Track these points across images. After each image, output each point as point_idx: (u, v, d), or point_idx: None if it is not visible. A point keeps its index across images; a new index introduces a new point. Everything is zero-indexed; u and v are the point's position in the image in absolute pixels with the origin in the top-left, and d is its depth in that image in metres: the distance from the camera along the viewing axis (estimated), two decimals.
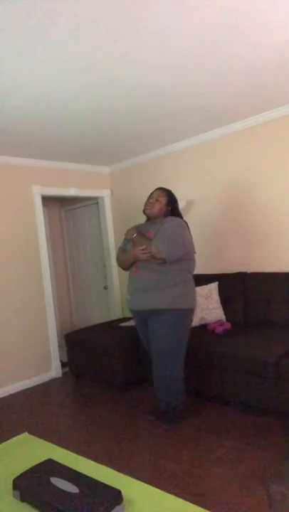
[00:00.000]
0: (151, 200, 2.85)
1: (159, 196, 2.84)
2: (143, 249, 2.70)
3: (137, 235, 2.80)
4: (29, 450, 1.50)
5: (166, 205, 2.84)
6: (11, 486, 1.20)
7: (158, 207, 2.82)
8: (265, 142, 3.42)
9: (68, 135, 3.43)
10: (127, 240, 2.92)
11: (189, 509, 1.10)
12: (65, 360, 4.15)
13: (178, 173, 4.08)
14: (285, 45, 2.21)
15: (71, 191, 4.47)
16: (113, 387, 3.63)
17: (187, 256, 2.76)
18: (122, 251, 2.96)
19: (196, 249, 2.88)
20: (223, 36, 2.04)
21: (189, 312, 2.77)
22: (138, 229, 2.90)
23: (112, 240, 4.83)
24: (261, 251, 3.52)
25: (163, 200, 2.83)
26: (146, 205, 2.87)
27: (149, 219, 2.95)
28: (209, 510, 1.09)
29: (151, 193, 2.89)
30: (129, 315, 4.50)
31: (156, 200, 2.83)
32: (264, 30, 2.02)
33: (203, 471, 2.26)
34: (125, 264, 2.90)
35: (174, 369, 2.73)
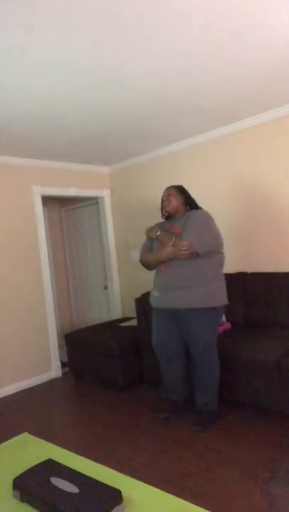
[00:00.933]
0: (165, 198, 2.86)
1: (170, 192, 2.86)
2: (176, 244, 2.59)
3: (161, 233, 2.75)
4: (29, 450, 1.50)
5: (181, 197, 2.85)
6: (11, 486, 1.20)
7: (174, 200, 2.82)
8: (265, 142, 3.42)
9: (68, 135, 3.43)
10: (150, 239, 2.88)
11: (189, 509, 1.10)
12: (65, 360, 4.15)
13: (178, 174, 4.07)
14: (285, 46, 2.21)
15: (71, 191, 4.47)
16: (113, 387, 3.63)
17: (218, 249, 2.75)
18: (147, 249, 2.89)
19: (218, 239, 2.81)
20: (223, 37, 2.04)
21: (223, 309, 2.78)
22: (160, 226, 2.87)
23: (112, 240, 4.83)
24: (261, 251, 3.52)
25: (174, 192, 2.85)
26: (163, 204, 2.88)
27: (168, 218, 2.91)
28: (209, 510, 1.09)
29: (163, 194, 2.91)
30: (130, 315, 4.51)
31: (169, 195, 2.84)
32: (264, 30, 2.02)
33: (203, 471, 2.26)
34: (153, 264, 2.82)
35: (216, 367, 2.73)
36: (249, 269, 3.54)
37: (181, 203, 2.84)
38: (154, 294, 2.81)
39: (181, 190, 2.89)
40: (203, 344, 2.68)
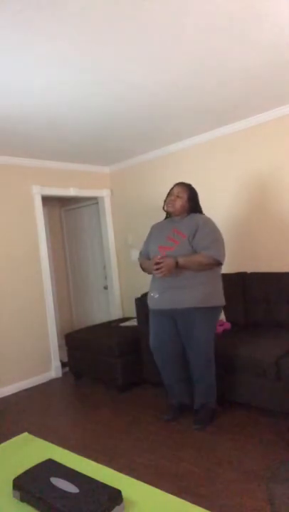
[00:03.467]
0: (172, 197, 2.78)
1: (179, 192, 2.77)
2: (158, 264, 2.59)
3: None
4: (29, 450, 1.50)
5: (188, 201, 2.78)
6: (11, 486, 1.20)
7: (180, 203, 2.75)
8: (265, 142, 3.42)
9: (68, 135, 3.43)
10: (147, 244, 2.92)
11: (189, 509, 1.10)
12: (65, 360, 4.15)
13: (178, 173, 4.07)
14: (285, 47, 2.21)
15: (71, 191, 4.47)
16: (113, 388, 3.63)
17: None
18: (145, 257, 2.92)
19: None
20: (223, 37, 2.04)
21: (221, 309, 2.80)
22: (155, 228, 2.92)
23: (112, 240, 4.82)
24: (261, 251, 3.52)
25: (184, 195, 2.77)
26: (167, 202, 2.81)
27: (168, 216, 2.90)
28: (209, 510, 1.09)
29: (171, 190, 2.82)
30: (130, 315, 4.51)
31: (178, 197, 2.76)
32: (264, 30, 2.02)
33: (203, 471, 2.26)
34: (150, 271, 2.81)
35: (213, 367, 2.74)
36: (249, 269, 3.54)
37: (185, 207, 2.78)
38: (153, 295, 2.78)
39: (191, 194, 2.80)
40: (201, 343, 2.68)
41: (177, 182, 2.87)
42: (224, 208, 3.75)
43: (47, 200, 4.91)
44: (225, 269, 3.71)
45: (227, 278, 3.52)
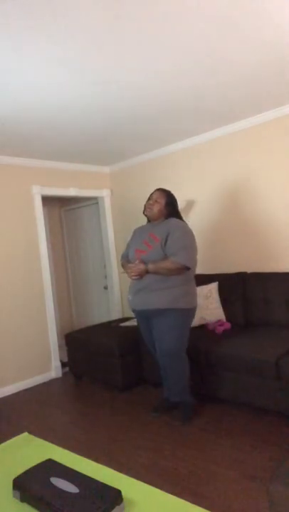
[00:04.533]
0: (150, 202, 2.88)
1: (158, 197, 2.87)
2: (133, 269, 2.76)
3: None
4: (29, 450, 1.50)
5: (166, 206, 2.87)
6: (11, 486, 1.20)
7: (157, 208, 2.85)
8: (265, 142, 3.42)
9: (68, 135, 3.43)
10: (128, 248, 3.03)
11: (189, 509, 1.10)
12: (65, 360, 4.15)
13: (178, 173, 4.08)
14: (285, 46, 2.21)
15: (71, 191, 4.47)
16: (113, 387, 3.63)
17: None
18: (126, 260, 3.03)
19: (197, 249, 2.90)
20: (223, 37, 2.04)
21: (191, 311, 2.82)
22: (136, 231, 3.03)
23: (112, 240, 4.83)
24: (261, 251, 3.52)
25: (162, 201, 2.86)
26: (145, 207, 2.91)
27: (149, 220, 2.98)
28: (209, 510, 1.09)
29: (151, 195, 2.92)
30: (130, 315, 4.51)
31: (156, 202, 2.86)
32: (264, 30, 2.02)
33: (203, 471, 2.26)
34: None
35: (183, 365, 2.81)
36: (249, 269, 3.54)
37: (162, 212, 2.86)
38: (128, 297, 2.93)
39: (168, 199, 2.88)
40: (167, 344, 2.75)
41: (157, 188, 2.96)
42: (225, 207, 3.75)
43: (47, 200, 4.91)
44: (225, 269, 3.73)
45: (227, 278, 3.54)
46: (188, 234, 2.79)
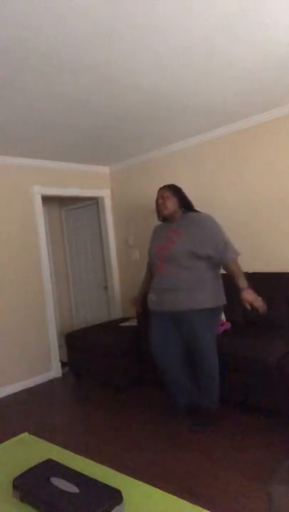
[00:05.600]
0: (160, 201, 2.81)
1: (164, 193, 2.81)
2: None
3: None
4: (29, 450, 1.50)
5: (176, 198, 2.81)
6: (11, 486, 1.20)
7: (170, 202, 2.78)
8: (267, 141, 3.42)
9: (68, 135, 3.43)
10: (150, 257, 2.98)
11: (189, 509, 1.10)
12: (65, 360, 4.15)
13: (178, 173, 4.07)
14: (284, 47, 2.21)
15: (71, 191, 4.47)
16: (113, 388, 3.63)
17: None
18: (148, 273, 3.09)
19: None
20: (223, 36, 2.04)
21: (221, 309, 2.80)
22: (156, 229, 2.97)
23: (112, 240, 4.83)
24: (261, 251, 3.52)
25: (170, 194, 2.80)
26: (158, 208, 2.83)
27: (165, 220, 2.90)
28: (209, 510, 1.09)
29: (157, 196, 2.86)
30: (130, 315, 4.50)
31: (166, 198, 2.79)
32: (264, 30, 2.02)
33: (203, 471, 2.26)
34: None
35: (217, 368, 2.72)
36: (249, 269, 3.53)
37: (177, 206, 2.80)
38: (151, 297, 2.80)
39: (175, 190, 2.84)
40: (204, 345, 2.67)
41: (160, 187, 2.92)
42: (225, 207, 3.74)
43: (47, 200, 4.91)
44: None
45: (227, 278, 3.53)
46: (216, 225, 2.74)
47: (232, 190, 3.69)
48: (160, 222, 3.00)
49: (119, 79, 2.43)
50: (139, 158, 4.41)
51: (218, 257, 2.65)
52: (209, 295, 2.66)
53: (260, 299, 2.56)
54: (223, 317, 3.44)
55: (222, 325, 3.31)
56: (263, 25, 1.97)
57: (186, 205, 2.84)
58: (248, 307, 2.57)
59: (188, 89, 2.70)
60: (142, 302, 3.08)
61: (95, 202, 4.93)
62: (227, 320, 3.43)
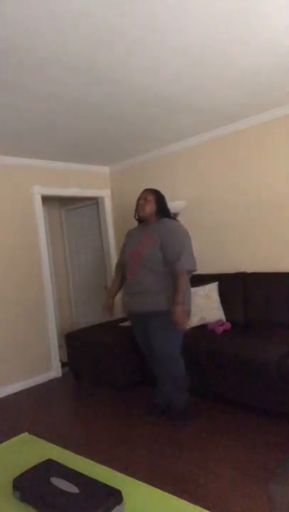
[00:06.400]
0: (141, 202, 2.91)
1: (147, 196, 2.90)
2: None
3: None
4: (29, 450, 1.50)
5: (156, 204, 2.90)
6: (11, 486, 1.20)
7: (149, 206, 2.88)
8: (265, 142, 3.42)
9: (68, 135, 3.43)
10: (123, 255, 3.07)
11: (189, 509, 1.10)
12: (65, 360, 4.15)
13: (178, 173, 4.08)
14: (284, 48, 2.21)
15: (71, 191, 4.47)
16: (113, 387, 3.63)
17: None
18: (119, 269, 3.14)
19: (197, 249, 2.93)
20: (223, 37, 2.04)
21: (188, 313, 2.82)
22: (129, 234, 3.07)
23: (112, 240, 4.83)
24: (261, 251, 3.52)
25: (152, 199, 2.89)
26: (138, 207, 2.93)
27: (140, 222, 3.01)
28: (209, 510, 1.09)
29: (140, 196, 2.95)
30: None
31: (148, 201, 2.89)
32: (265, 30, 2.02)
33: (203, 471, 2.26)
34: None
35: (178, 367, 2.82)
36: (249, 269, 3.54)
37: (154, 211, 2.89)
38: (124, 299, 2.96)
39: (158, 197, 2.92)
40: (162, 346, 2.75)
41: (145, 188, 3.00)
42: (224, 207, 3.75)
43: (47, 200, 4.91)
44: (225, 269, 3.73)
45: (227, 278, 3.54)
46: (184, 235, 2.81)
47: (231, 189, 3.69)
48: (135, 226, 3.10)
49: (118, 79, 2.43)
50: (139, 158, 4.41)
51: (170, 262, 2.71)
52: (171, 299, 2.70)
53: (185, 321, 2.68)
54: (223, 317, 3.44)
55: (222, 325, 3.32)
56: (262, 25, 1.97)
57: (163, 212, 2.92)
58: (172, 321, 2.65)
59: (187, 90, 2.70)
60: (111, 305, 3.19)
61: (95, 202, 4.93)
62: (227, 320, 3.44)
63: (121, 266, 3.09)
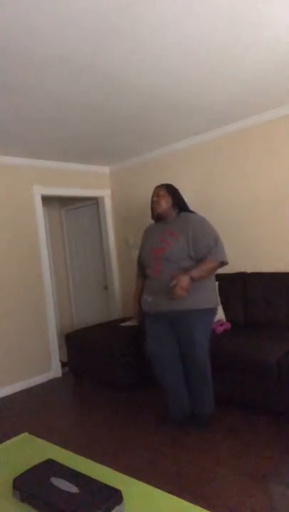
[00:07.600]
0: (155, 199, 2.80)
1: (159, 192, 2.80)
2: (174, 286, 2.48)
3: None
4: (29, 450, 1.50)
5: (171, 198, 2.79)
6: (11, 486, 1.20)
7: (164, 201, 2.77)
8: (266, 142, 3.42)
9: (68, 135, 3.43)
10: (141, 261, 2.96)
11: (189, 509, 1.10)
12: (65, 360, 4.15)
13: (178, 173, 4.07)
14: (284, 46, 2.21)
15: (71, 191, 4.47)
16: (113, 387, 3.63)
17: None
18: (140, 272, 3.01)
19: None
20: (224, 36, 2.04)
21: (216, 311, 2.77)
22: (147, 231, 2.95)
23: (112, 240, 4.83)
24: (261, 251, 3.52)
25: (165, 193, 2.79)
26: (153, 206, 2.82)
27: (158, 220, 2.88)
28: (209, 510, 1.09)
29: (153, 193, 2.85)
30: (130, 315, 4.50)
31: (162, 196, 2.78)
32: (264, 30, 2.02)
33: (203, 471, 2.26)
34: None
35: (209, 371, 2.69)
36: (249, 269, 3.54)
37: (171, 205, 2.79)
38: (146, 298, 2.75)
39: (170, 190, 2.82)
40: (198, 346, 2.62)
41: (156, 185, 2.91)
42: (225, 207, 3.74)
43: (47, 200, 4.91)
44: (225, 269, 3.71)
45: (227, 278, 3.54)
46: (213, 228, 2.73)
47: (233, 189, 3.69)
48: (151, 224, 2.99)
49: (119, 78, 2.43)
50: (139, 158, 4.41)
51: (202, 256, 2.62)
52: (206, 295, 2.65)
53: (184, 288, 2.46)
54: (223, 317, 3.44)
55: (222, 325, 3.32)
56: (263, 24, 1.97)
57: (180, 205, 2.82)
58: (173, 283, 2.48)
59: (188, 89, 2.70)
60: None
61: (95, 202, 4.93)
62: (227, 320, 3.44)
63: (142, 266, 2.93)
